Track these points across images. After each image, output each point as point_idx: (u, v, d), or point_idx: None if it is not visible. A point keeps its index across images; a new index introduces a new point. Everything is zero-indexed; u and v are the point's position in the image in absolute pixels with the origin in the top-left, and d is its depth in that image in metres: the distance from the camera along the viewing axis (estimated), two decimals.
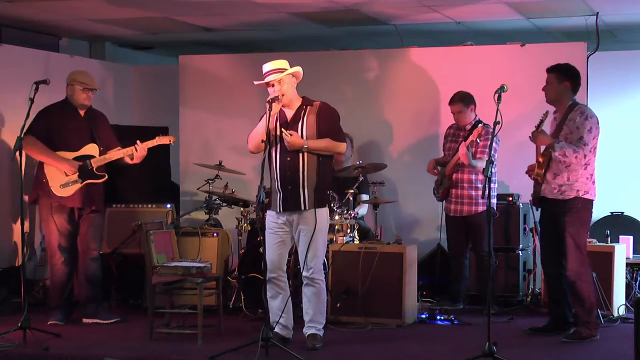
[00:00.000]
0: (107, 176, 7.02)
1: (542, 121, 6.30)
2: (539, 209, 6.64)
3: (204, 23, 8.96)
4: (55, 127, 6.91)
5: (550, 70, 6.46)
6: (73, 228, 7.01)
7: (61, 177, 6.90)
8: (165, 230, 6.83)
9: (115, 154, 7.01)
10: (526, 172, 6.56)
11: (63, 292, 7.03)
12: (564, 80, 6.39)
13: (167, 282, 6.40)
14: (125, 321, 7.09)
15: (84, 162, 6.94)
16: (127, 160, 7.05)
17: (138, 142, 6.95)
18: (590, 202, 6.36)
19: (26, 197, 7.04)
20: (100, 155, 6.99)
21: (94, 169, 6.96)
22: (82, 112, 7.06)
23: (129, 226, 7.13)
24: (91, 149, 7.01)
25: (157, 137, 7.01)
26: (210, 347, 5.93)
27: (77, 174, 6.90)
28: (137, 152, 6.94)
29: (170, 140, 7.05)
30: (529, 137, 6.36)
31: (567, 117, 6.32)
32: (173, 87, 9.57)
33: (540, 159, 6.33)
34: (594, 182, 6.36)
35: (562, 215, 6.29)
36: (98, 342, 6.30)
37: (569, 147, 6.16)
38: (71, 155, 6.96)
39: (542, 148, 6.38)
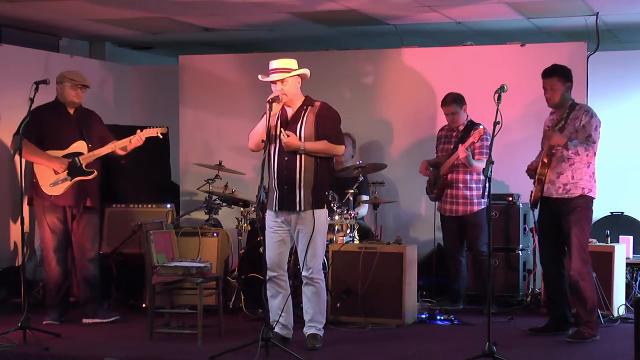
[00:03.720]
0: (96, 172, 7.00)
1: (557, 122, 6.29)
2: (534, 209, 6.62)
3: (204, 23, 8.97)
4: (45, 127, 6.88)
5: (550, 74, 6.42)
6: (66, 227, 7.02)
7: (51, 176, 6.91)
8: (165, 230, 6.83)
9: (103, 149, 7.00)
10: (527, 172, 6.55)
11: (58, 292, 7.06)
12: (566, 82, 6.41)
13: (167, 282, 6.39)
14: (125, 321, 7.09)
15: (73, 159, 6.94)
16: (119, 152, 7.05)
17: (138, 131, 6.99)
18: (592, 200, 6.39)
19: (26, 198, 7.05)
20: (88, 152, 6.99)
21: (83, 165, 6.96)
22: (71, 111, 7.06)
23: (129, 226, 7.14)
24: (79, 146, 7.00)
25: (144, 130, 7.02)
26: (210, 347, 5.92)
27: (67, 171, 6.91)
28: (131, 144, 6.95)
29: (157, 133, 7.01)
30: (544, 136, 6.33)
31: (569, 117, 6.32)
32: (173, 87, 9.57)
33: (545, 159, 6.33)
34: (595, 181, 6.39)
35: (567, 214, 6.29)
36: (98, 342, 6.30)
37: (581, 146, 6.19)
38: (60, 153, 6.95)
39: (546, 148, 6.36)
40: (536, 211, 7.64)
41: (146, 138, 7.03)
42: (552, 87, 6.39)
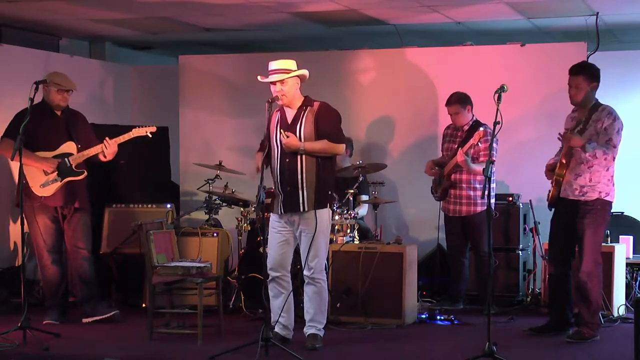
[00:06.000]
0: (86, 173, 6.98)
1: (577, 124, 6.24)
2: (552, 209, 6.51)
3: (204, 23, 8.97)
4: (33, 128, 6.74)
5: (577, 72, 6.31)
6: (58, 227, 7.02)
7: (41, 177, 6.90)
8: (165, 230, 6.83)
9: (92, 150, 6.97)
10: (545, 172, 6.48)
11: (57, 292, 7.06)
12: (593, 82, 6.30)
13: (167, 282, 6.40)
14: (124, 321, 7.08)
15: (62, 160, 6.93)
16: (101, 157, 7.00)
17: (107, 138, 6.90)
18: (609, 204, 6.33)
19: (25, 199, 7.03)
20: (78, 152, 6.98)
21: (73, 166, 6.95)
22: (58, 112, 7.04)
23: (129, 226, 7.14)
24: (69, 146, 6.98)
25: (132, 130, 6.96)
26: (210, 347, 5.93)
27: (57, 172, 6.90)
28: (106, 149, 6.90)
29: (147, 132, 6.96)
30: (559, 137, 6.27)
31: (592, 118, 6.23)
32: (173, 87, 9.57)
33: (564, 160, 6.28)
34: (613, 184, 6.33)
35: (582, 216, 6.24)
36: (98, 342, 6.31)
37: (600, 149, 6.13)
38: (49, 154, 6.94)
39: (565, 149, 6.30)
40: (537, 211, 7.66)
41: (140, 137, 6.98)
42: (577, 86, 6.29)
